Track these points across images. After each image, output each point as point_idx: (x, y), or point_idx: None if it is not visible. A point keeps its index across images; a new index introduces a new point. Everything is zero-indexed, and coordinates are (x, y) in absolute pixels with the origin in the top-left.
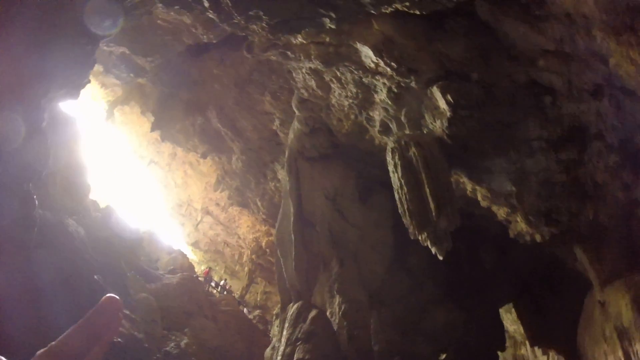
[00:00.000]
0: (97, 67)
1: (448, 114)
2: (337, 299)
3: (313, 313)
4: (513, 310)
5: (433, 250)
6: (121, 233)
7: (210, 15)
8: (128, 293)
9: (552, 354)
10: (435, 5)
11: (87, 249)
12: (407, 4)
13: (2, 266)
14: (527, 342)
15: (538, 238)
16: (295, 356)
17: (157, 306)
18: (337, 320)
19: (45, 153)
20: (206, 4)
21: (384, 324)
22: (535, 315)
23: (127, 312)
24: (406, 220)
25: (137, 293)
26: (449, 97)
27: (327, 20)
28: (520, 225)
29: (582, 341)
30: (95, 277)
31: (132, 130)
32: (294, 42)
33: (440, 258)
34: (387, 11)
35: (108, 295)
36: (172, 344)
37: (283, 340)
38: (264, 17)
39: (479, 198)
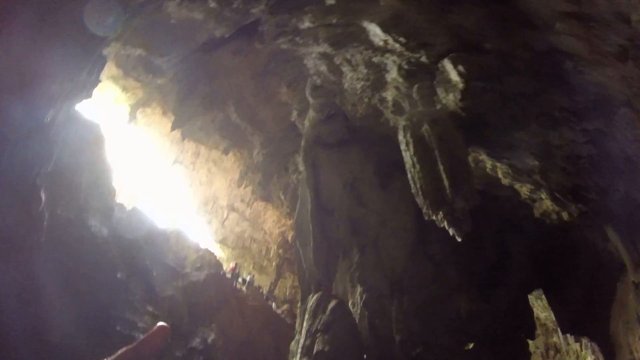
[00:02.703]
0: (117, 71)
1: (461, 85)
2: (359, 289)
3: (332, 304)
4: (543, 296)
5: (451, 232)
6: (147, 233)
7: (212, 5)
8: (153, 291)
9: (584, 341)
10: None
11: (110, 248)
12: None
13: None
14: (558, 330)
15: (565, 216)
16: (315, 348)
17: (184, 303)
18: (358, 311)
19: (48, 150)
20: None
21: (405, 313)
22: (566, 301)
23: (151, 309)
24: (419, 199)
25: (164, 291)
26: (460, 68)
27: None
28: (545, 203)
29: (616, 326)
30: (118, 275)
31: (155, 131)
32: (302, 26)
33: (459, 240)
34: None
35: (160, 324)
36: (198, 340)
37: (303, 332)
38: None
39: (500, 175)
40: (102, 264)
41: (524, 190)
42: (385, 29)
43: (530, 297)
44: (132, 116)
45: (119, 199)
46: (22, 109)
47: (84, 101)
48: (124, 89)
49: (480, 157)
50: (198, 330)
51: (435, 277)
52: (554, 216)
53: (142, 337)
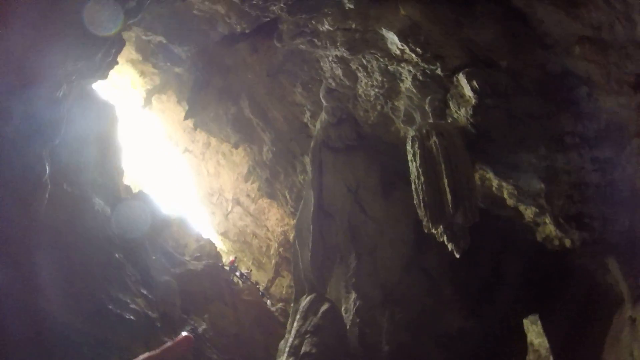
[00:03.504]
0: (137, 56)
1: (473, 101)
2: (353, 295)
3: (325, 307)
4: (539, 322)
5: (449, 247)
6: (150, 217)
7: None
8: (150, 275)
9: None
10: None
11: (111, 227)
12: None
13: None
14: (551, 358)
15: (567, 243)
16: (303, 349)
17: (179, 290)
18: (350, 317)
19: (57, 124)
20: None
21: (396, 324)
22: (561, 329)
23: (145, 292)
24: (420, 211)
25: (160, 275)
26: (475, 84)
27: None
28: (548, 228)
29: None
30: (116, 255)
31: (168, 118)
32: (321, 29)
33: (457, 256)
34: None
35: (184, 334)
36: (189, 328)
37: (293, 332)
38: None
39: (505, 196)
40: (101, 242)
41: (528, 212)
42: (403, 38)
43: (525, 321)
44: (148, 101)
45: (127, 181)
46: (34, 88)
47: (101, 81)
48: (142, 73)
49: (487, 176)
50: (189, 319)
51: (429, 292)
52: (556, 242)
53: (167, 344)
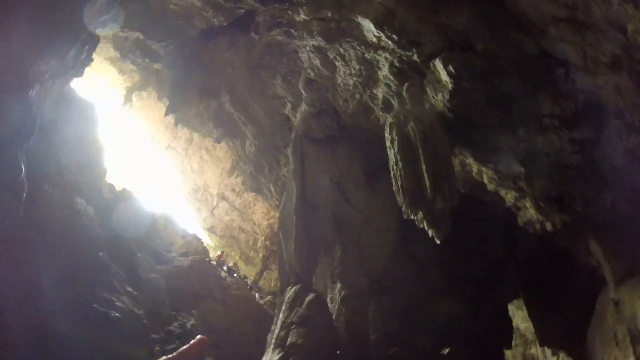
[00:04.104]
0: (115, 53)
1: (450, 86)
2: (338, 285)
3: (310, 297)
4: (524, 307)
5: (430, 232)
6: (134, 215)
7: None
8: (136, 273)
9: (562, 355)
10: None
11: (94, 227)
12: None
13: None
14: (537, 342)
15: (549, 227)
16: (289, 340)
17: (166, 287)
18: (336, 307)
19: (31, 124)
20: None
21: (383, 312)
22: (546, 313)
23: (130, 289)
24: (399, 197)
25: (147, 273)
26: (450, 68)
27: None
28: (529, 211)
29: (592, 344)
30: (100, 254)
31: (149, 115)
32: (297, 19)
33: (438, 241)
34: None
35: (199, 336)
36: (176, 324)
37: (279, 323)
38: None
39: (486, 180)
40: (85, 242)
41: (509, 197)
42: (378, 25)
43: (511, 306)
44: (128, 99)
45: (110, 180)
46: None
47: (79, 81)
48: (121, 71)
49: (467, 161)
50: (178, 315)
51: (416, 278)
52: (537, 225)
53: (181, 348)
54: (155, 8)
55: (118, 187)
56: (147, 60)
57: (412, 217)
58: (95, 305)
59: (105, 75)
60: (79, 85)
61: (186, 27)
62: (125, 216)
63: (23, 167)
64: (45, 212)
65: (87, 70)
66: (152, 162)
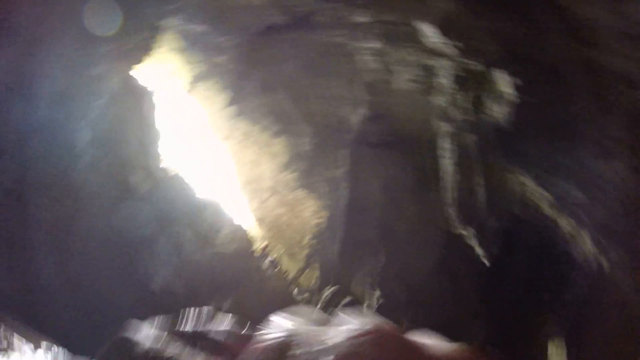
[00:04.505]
0: (182, 44)
1: (511, 98)
2: (377, 293)
3: (346, 300)
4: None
5: (478, 251)
6: (185, 198)
7: None
8: (180, 252)
9: None
10: None
11: (145, 204)
12: None
13: None
14: None
15: (605, 266)
16: None
17: (207, 271)
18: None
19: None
20: None
21: (418, 327)
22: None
23: (172, 267)
24: (452, 211)
25: (191, 254)
26: (512, 80)
27: None
28: (586, 245)
29: None
30: (148, 232)
31: (210, 105)
32: (358, 21)
33: (487, 264)
34: None
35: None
36: (211, 308)
37: None
38: None
39: (541, 203)
40: (135, 216)
41: (564, 223)
42: (440, 31)
43: (550, 344)
44: (192, 88)
45: (165, 164)
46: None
47: (142, 69)
48: (186, 61)
49: (523, 180)
50: (214, 299)
51: (455, 298)
52: (594, 264)
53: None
54: (221, 3)
55: (172, 171)
56: (212, 52)
57: (463, 232)
58: (135, 276)
59: (169, 65)
60: (140, 72)
61: (250, 23)
62: (177, 198)
63: (84, 138)
64: (101, 181)
65: (151, 58)
66: (209, 151)
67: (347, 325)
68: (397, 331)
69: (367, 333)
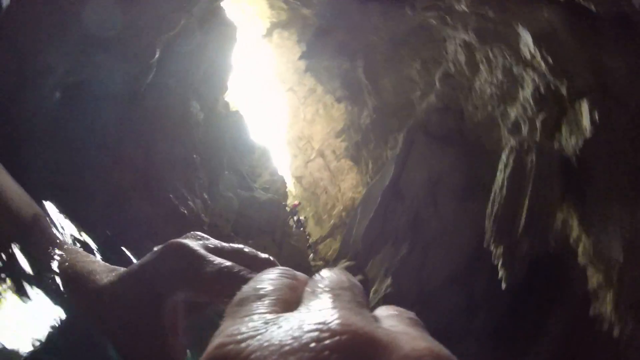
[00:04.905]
0: None
1: (588, 133)
2: (388, 281)
3: (357, 278)
4: None
5: (500, 273)
6: (237, 136)
7: None
8: (217, 186)
9: None
10: (618, 7)
11: (198, 131)
12: None
13: None
14: None
15: (616, 332)
16: None
17: (237, 210)
18: (375, 300)
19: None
20: None
21: None
22: None
23: (206, 197)
24: (489, 223)
25: (226, 190)
26: (595, 115)
27: None
28: (606, 305)
29: None
30: (195, 156)
31: (283, 54)
32: (456, 7)
33: (503, 285)
34: None
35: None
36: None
37: None
38: None
39: (579, 250)
40: (186, 140)
41: (594, 280)
42: (537, 42)
43: None
44: (269, 33)
45: (227, 98)
46: None
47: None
48: (271, 6)
49: (570, 219)
50: (234, 238)
51: (463, 312)
52: (605, 325)
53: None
54: None
55: (233, 107)
56: (298, 2)
57: (492, 248)
58: (170, 196)
59: (255, 5)
60: (228, 5)
61: None
62: (229, 134)
63: (157, 53)
64: (165, 98)
65: None
66: (272, 98)
67: (313, 314)
68: (369, 331)
69: (337, 333)
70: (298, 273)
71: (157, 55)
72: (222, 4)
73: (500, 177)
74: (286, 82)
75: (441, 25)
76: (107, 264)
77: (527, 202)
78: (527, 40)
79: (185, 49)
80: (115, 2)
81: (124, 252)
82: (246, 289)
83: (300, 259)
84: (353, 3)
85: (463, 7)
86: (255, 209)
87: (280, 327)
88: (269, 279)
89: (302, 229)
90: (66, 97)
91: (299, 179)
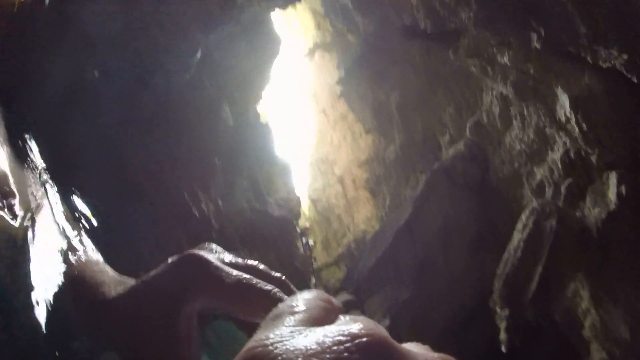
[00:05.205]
0: (320, 8)
1: (612, 207)
2: (386, 322)
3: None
4: None
5: (502, 336)
6: (261, 148)
7: None
8: (233, 196)
9: None
10: None
11: (225, 135)
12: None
13: None
14: None
15: None
16: None
17: (248, 221)
18: None
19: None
20: None
21: None
22: None
23: (219, 202)
24: (497, 283)
25: (240, 199)
26: (622, 190)
27: (534, 36)
28: None
29: None
30: (216, 159)
31: (321, 75)
32: (499, 60)
33: (503, 350)
34: (605, 65)
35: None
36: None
37: None
38: (473, 4)
39: (586, 325)
40: (209, 141)
41: (597, 356)
42: (574, 106)
43: None
44: (311, 53)
45: (259, 109)
46: None
47: (279, 16)
48: (318, 26)
49: (581, 290)
50: (240, 247)
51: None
52: None
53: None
54: None
55: (264, 118)
56: (345, 27)
57: (496, 309)
58: (185, 195)
59: (302, 23)
60: (277, 18)
61: (393, 16)
62: (255, 144)
63: (199, 53)
64: (199, 97)
65: (289, 10)
66: (303, 116)
67: (339, 322)
68: (390, 339)
69: (358, 336)
70: (334, 299)
71: (198, 55)
72: (271, 15)
73: (517, 237)
74: (319, 104)
75: (481, 74)
76: (115, 273)
77: (540, 268)
78: (564, 103)
79: (226, 54)
80: None
81: (125, 249)
82: (281, 306)
83: (300, 283)
84: (398, 37)
85: (506, 60)
86: (266, 223)
87: (306, 336)
88: (303, 299)
89: (309, 252)
90: (103, 79)
91: (314, 202)
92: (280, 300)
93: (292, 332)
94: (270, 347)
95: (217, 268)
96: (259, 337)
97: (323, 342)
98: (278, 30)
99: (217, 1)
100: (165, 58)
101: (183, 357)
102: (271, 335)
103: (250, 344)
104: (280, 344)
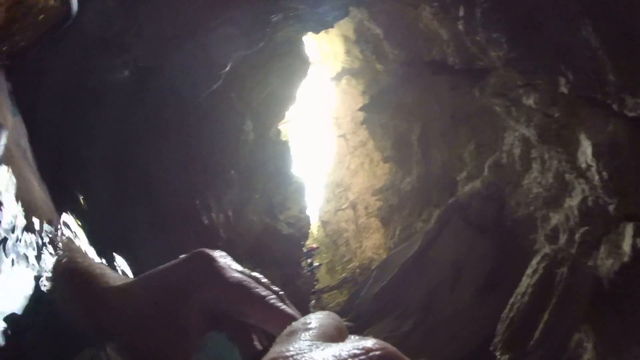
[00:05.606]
0: (351, 35)
1: (626, 258)
2: None
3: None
4: None
5: None
6: (280, 164)
7: (460, 27)
8: (245, 209)
9: None
10: None
11: (245, 149)
12: None
13: None
14: None
15: None
16: None
17: (256, 235)
18: None
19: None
20: (461, 13)
21: None
22: None
23: (230, 214)
24: (501, 327)
25: (252, 213)
26: (638, 242)
27: (562, 80)
28: None
29: None
30: (232, 172)
31: (345, 101)
32: (524, 101)
33: None
34: (631, 115)
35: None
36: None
37: None
38: (504, 44)
39: None
40: (228, 155)
41: None
42: (597, 154)
43: None
44: (338, 77)
45: (280, 127)
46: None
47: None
48: (348, 52)
49: (586, 341)
50: (247, 262)
51: None
52: None
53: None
54: (405, 17)
55: (284, 137)
56: (374, 56)
57: (497, 354)
58: (197, 202)
59: (333, 48)
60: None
61: (423, 49)
62: (273, 161)
63: (229, 64)
64: (223, 110)
65: (320, 35)
66: (322, 138)
67: (351, 340)
68: (401, 354)
69: (372, 350)
70: (342, 320)
71: (227, 69)
72: (303, 38)
73: (526, 282)
74: (341, 128)
75: (505, 114)
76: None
77: (547, 316)
78: (586, 149)
79: (255, 70)
80: (205, 7)
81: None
82: (296, 323)
83: (300, 303)
84: (425, 70)
85: (531, 102)
86: (274, 240)
87: (323, 349)
88: (316, 317)
89: (313, 273)
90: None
91: (324, 224)
92: (276, 307)
93: (309, 345)
94: (291, 359)
95: (222, 267)
96: (279, 349)
97: (340, 355)
98: (308, 53)
99: (252, 18)
100: (194, 67)
101: (185, 347)
102: (291, 348)
103: (271, 354)
104: (300, 356)
